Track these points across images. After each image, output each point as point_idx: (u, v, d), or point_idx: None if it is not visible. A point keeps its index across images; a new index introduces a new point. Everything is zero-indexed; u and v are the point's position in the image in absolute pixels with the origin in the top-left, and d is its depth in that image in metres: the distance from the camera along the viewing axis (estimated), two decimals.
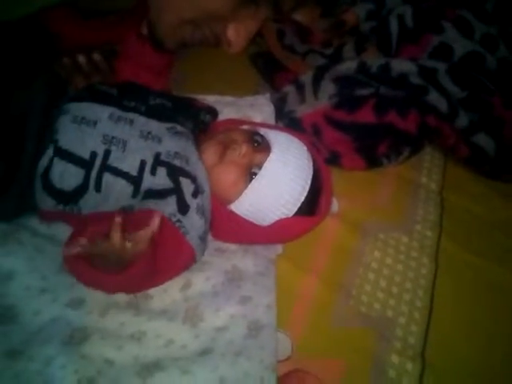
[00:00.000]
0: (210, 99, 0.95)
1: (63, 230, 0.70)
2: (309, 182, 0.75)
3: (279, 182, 0.73)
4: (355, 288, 0.78)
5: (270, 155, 0.73)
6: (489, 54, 1.04)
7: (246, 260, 0.76)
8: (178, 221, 0.66)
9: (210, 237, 0.75)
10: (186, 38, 0.73)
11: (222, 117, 0.89)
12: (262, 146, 0.75)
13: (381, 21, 1.13)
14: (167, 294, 0.69)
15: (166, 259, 0.65)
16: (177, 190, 0.68)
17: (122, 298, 0.67)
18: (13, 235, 0.68)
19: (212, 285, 0.71)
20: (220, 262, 0.74)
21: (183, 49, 0.77)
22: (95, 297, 0.65)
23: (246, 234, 0.76)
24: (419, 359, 0.71)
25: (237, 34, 0.72)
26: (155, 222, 0.62)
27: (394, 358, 0.71)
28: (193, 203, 0.68)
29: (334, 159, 0.95)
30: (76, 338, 0.61)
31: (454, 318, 0.77)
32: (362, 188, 0.94)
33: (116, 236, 0.60)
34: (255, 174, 0.73)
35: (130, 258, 0.60)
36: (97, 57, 0.81)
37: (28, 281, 0.64)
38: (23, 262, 0.65)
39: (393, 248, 0.85)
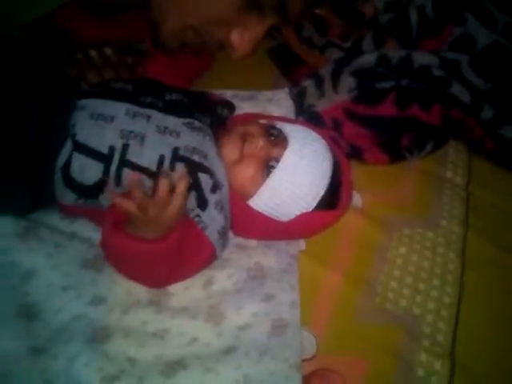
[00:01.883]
0: (228, 94, 0.94)
1: (84, 227, 0.70)
2: (328, 175, 0.73)
3: (298, 175, 0.72)
4: (380, 285, 0.76)
5: (288, 148, 0.72)
6: None
7: (268, 257, 0.74)
8: (197, 216, 0.66)
9: (230, 233, 0.74)
10: (188, 41, 0.73)
11: (240, 111, 0.87)
12: (279, 140, 0.74)
13: (400, 12, 1.10)
14: (189, 291, 0.68)
15: (185, 254, 0.64)
16: (196, 186, 0.67)
17: (143, 295, 0.66)
18: (33, 232, 0.67)
19: (234, 282, 0.70)
20: (241, 258, 0.73)
21: (183, 50, 0.77)
22: (117, 294, 0.65)
23: (267, 230, 0.75)
24: (448, 357, 0.69)
25: (240, 40, 0.72)
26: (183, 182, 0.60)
27: (422, 356, 0.69)
28: (211, 198, 0.68)
29: (355, 154, 0.93)
30: (99, 336, 0.61)
31: (483, 314, 0.75)
32: (384, 183, 0.92)
33: (162, 189, 0.59)
34: (273, 168, 0.72)
35: (169, 222, 0.60)
36: (108, 51, 0.81)
37: (49, 278, 0.64)
38: (44, 259, 0.65)
39: (418, 244, 0.82)
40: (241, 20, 0.71)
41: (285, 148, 0.72)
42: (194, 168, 0.68)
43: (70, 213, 0.72)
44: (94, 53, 0.84)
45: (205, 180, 0.68)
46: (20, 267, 0.64)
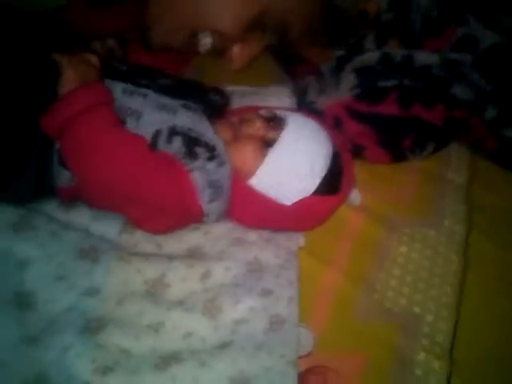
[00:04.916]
0: (228, 89, 0.93)
1: (80, 216, 0.69)
2: (329, 158, 0.74)
3: (298, 153, 0.72)
4: (380, 283, 0.75)
5: (286, 128, 0.73)
6: None
7: (268, 251, 0.73)
8: (184, 158, 0.66)
9: (230, 225, 0.73)
10: (176, 44, 0.76)
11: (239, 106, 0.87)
12: (277, 123, 0.75)
13: (403, 11, 1.10)
14: (186, 283, 0.66)
15: (157, 179, 0.64)
16: (189, 155, 0.68)
17: (139, 286, 0.65)
18: (28, 221, 0.66)
19: (233, 276, 0.68)
20: (240, 252, 0.72)
21: (168, 51, 0.80)
22: (112, 285, 0.63)
23: (267, 214, 0.74)
24: (447, 358, 0.68)
25: (240, 54, 0.76)
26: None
27: (421, 356, 0.68)
28: (205, 164, 0.68)
29: (357, 152, 0.92)
30: (92, 327, 0.59)
31: (484, 315, 0.74)
32: (385, 181, 0.91)
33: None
34: (271, 146, 0.72)
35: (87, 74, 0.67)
36: (111, 43, 0.81)
37: (43, 268, 0.62)
38: (38, 249, 0.64)
39: (419, 243, 0.81)
40: (244, 36, 0.74)
41: (283, 129, 0.73)
42: (191, 142, 0.68)
43: (67, 199, 0.70)
44: (97, 44, 0.84)
45: (201, 152, 0.68)
46: (15, 257, 0.63)
